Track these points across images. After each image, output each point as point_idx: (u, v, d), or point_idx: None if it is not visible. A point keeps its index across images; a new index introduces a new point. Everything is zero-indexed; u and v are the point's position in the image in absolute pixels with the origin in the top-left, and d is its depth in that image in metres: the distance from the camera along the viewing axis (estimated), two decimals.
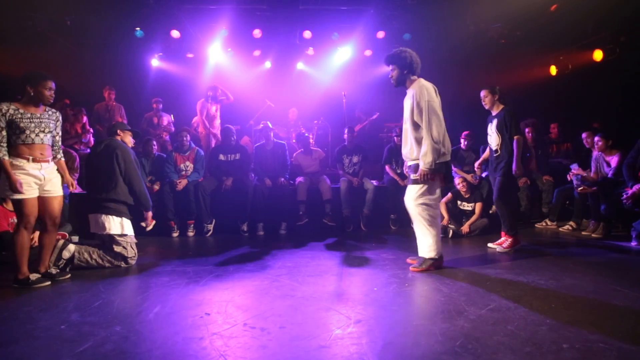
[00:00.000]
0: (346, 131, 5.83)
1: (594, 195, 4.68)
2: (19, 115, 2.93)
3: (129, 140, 3.82)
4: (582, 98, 6.95)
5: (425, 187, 3.15)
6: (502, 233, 4.09)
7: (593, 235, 4.64)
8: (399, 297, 2.65)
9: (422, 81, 3.20)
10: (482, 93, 4.05)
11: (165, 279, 3.11)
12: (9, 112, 2.90)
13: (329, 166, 6.61)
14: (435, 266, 3.24)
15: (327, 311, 2.42)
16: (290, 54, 8.21)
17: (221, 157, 5.44)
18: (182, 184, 5.10)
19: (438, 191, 3.24)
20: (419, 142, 3.15)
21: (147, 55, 7.82)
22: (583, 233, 4.80)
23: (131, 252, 3.56)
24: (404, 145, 3.32)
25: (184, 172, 5.31)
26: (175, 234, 5.07)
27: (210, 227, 5.18)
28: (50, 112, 3.12)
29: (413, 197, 3.20)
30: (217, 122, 6.79)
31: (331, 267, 3.48)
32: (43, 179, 3.04)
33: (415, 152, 3.18)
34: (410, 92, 3.20)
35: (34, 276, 3.02)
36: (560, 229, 5.11)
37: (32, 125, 2.97)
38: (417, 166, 3.16)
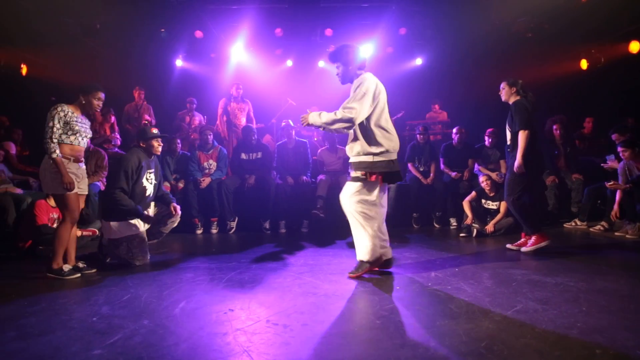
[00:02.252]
0: None
1: (628, 194, 4.48)
2: (75, 119, 3.12)
3: (155, 146, 3.68)
4: (617, 93, 6.65)
5: (363, 185, 2.96)
6: (522, 234, 3.92)
7: (627, 236, 4.45)
8: (421, 297, 2.62)
9: (368, 74, 3.00)
10: (501, 85, 3.91)
11: (190, 275, 3.19)
12: (67, 115, 3.09)
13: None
14: (373, 269, 3.08)
15: (349, 309, 2.42)
16: (311, 52, 8.22)
17: (243, 156, 5.52)
18: (205, 182, 5.21)
19: (376, 191, 2.99)
20: (357, 137, 2.98)
21: (171, 56, 8.00)
22: (616, 234, 4.61)
23: (128, 253, 3.49)
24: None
25: (207, 171, 5.41)
26: (199, 231, 5.18)
27: (233, 224, 5.26)
28: (86, 120, 3.32)
29: (349, 194, 3.01)
30: (242, 120, 6.88)
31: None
32: (81, 177, 3.24)
33: (355, 149, 3.01)
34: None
35: (66, 267, 3.18)
36: (591, 230, 4.92)
37: (82, 129, 3.19)
38: (357, 163, 3.00)
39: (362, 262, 3.06)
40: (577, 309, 2.34)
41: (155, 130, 3.67)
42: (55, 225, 4.16)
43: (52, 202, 4.17)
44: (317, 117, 2.96)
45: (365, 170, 2.95)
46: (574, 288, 2.73)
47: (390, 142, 2.98)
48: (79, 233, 4.17)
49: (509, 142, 3.83)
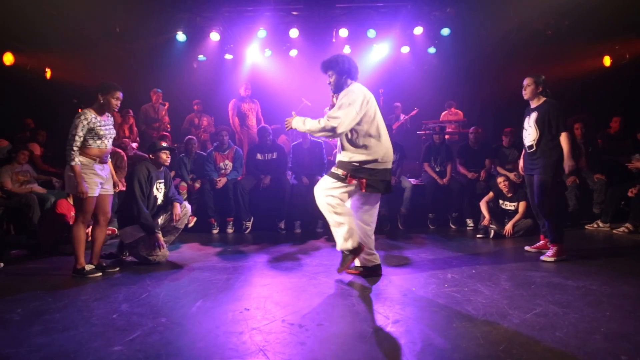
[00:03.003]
0: None
1: None
2: (98, 124, 3.21)
3: (164, 158, 3.83)
4: None
5: (341, 185, 2.93)
6: (541, 236, 3.83)
7: None
8: (438, 298, 2.59)
9: (356, 85, 3.03)
10: (525, 81, 3.68)
11: (207, 274, 3.23)
12: (91, 121, 3.17)
13: None
14: (356, 257, 2.98)
15: (364, 310, 2.41)
16: (326, 53, 8.19)
17: (258, 156, 5.56)
18: (221, 182, 5.27)
19: (348, 195, 3.00)
20: (345, 146, 2.98)
21: (188, 58, 8.12)
22: None
23: (144, 251, 3.61)
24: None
25: (223, 171, 5.47)
26: (215, 231, 5.24)
27: (249, 224, 5.30)
28: (110, 118, 3.39)
29: (324, 187, 2.98)
30: (253, 121, 6.93)
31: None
32: (106, 178, 3.33)
33: (343, 154, 2.99)
34: None
35: (88, 267, 3.27)
36: (614, 231, 4.77)
37: (107, 132, 3.27)
38: (341, 162, 2.97)
39: (344, 254, 2.98)
40: (601, 314, 2.27)
41: (164, 144, 3.88)
42: None
43: (72, 200, 4.29)
44: (301, 124, 3.03)
45: (346, 171, 2.93)
46: (597, 292, 2.65)
47: (381, 151, 2.95)
48: None
49: (531, 143, 3.61)
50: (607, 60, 7.15)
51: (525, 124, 3.73)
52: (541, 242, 3.83)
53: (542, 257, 3.54)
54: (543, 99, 3.63)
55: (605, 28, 6.54)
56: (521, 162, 3.92)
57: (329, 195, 2.95)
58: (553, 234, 3.55)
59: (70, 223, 4.23)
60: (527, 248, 3.88)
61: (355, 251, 2.95)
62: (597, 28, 6.58)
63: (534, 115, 3.62)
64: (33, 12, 5.85)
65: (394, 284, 2.94)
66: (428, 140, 6.18)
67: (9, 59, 6.61)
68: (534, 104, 3.68)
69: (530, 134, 3.63)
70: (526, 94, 3.68)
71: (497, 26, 7.00)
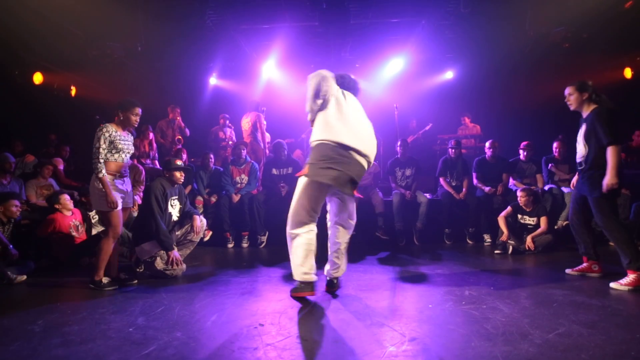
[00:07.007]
0: (399, 143, 5.76)
1: None
2: (118, 138, 3.30)
3: (178, 176, 3.88)
4: None
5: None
6: (584, 258, 3.48)
7: None
8: (455, 316, 2.53)
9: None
10: (567, 90, 3.29)
11: (222, 289, 3.24)
12: (112, 134, 3.27)
13: (380, 179, 6.55)
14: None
15: (380, 327, 2.37)
16: (341, 68, 8.28)
17: (274, 171, 5.60)
18: (237, 196, 5.32)
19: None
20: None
21: (205, 74, 8.34)
22: None
23: (160, 265, 3.62)
24: None
25: (239, 185, 5.53)
26: (230, 245, 5.27)
27: (264, 238, 5.31)
28: (130, 135, 3.48)
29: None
30: (267, 136, 7.06)
31: (384, 281, 3.42)
32: (126, 192, 3.41)
33: None
34: None
35: (105, 279, 3.32)
36: None
37: (125, 147, 3.35)
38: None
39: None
40: (630, 335, 2.17)
41: (179, 162, 3.94)
42: (79, 231, 4.48)
43: (66, 212, 4.40)
44: None
45: None
46: (624, 312, 2.55)
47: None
48: None
49: (580, 160, 3.26)
50: (628, 72, 7.02)
51: (578, 138, 3.31)
52: (584, 264, 3.47)
53: (613, 284, 3.06)
54: (592, 107, 3.20)
55: (625, 39, 6.43)
56: (574, 179, 3.55)
57: None
58: (627, 259, 3.07)
59: (73, 232, 4.33)
60: (568, 271, 3.52)
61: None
62: (617, 39, 6.48)
63: (583, 127, 3.23)
64: (60, 33, 6.13)
65: (410, 301, 2.89)
66: (443, 154, 6.14)
67: (38, 78, 6.93)
68: (584, 113, 3.28)
69: (579, 150, 3.26)
70: (572, 104, 3.30)
71: (513, 40, 6.97)
